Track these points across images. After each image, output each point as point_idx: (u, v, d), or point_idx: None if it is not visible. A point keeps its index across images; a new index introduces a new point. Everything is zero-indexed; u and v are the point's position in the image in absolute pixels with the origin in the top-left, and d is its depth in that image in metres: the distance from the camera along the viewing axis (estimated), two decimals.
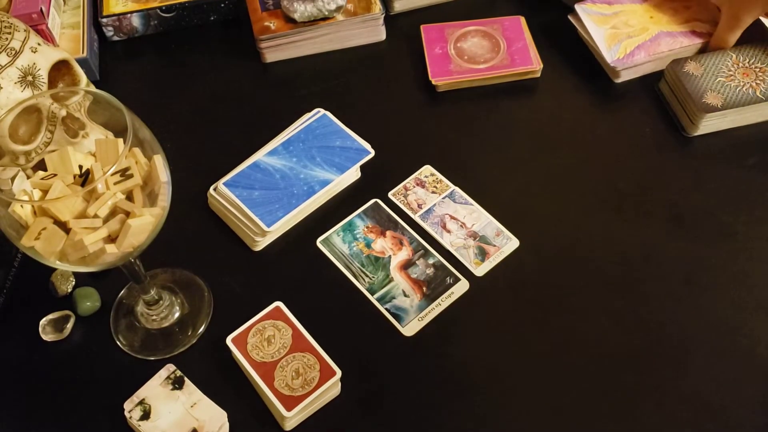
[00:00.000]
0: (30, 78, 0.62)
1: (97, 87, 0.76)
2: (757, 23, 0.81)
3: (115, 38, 0.88)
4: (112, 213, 0.49)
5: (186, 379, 0.59)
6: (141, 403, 0.57)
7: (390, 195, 0.72)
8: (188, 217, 0.71)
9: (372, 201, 0.72)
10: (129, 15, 0.86)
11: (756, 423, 0.57)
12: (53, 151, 0.59)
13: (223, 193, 0.69)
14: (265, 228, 0.67)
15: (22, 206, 0.48)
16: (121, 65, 0.86)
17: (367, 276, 0.67)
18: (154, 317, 0.65)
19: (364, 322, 0.64)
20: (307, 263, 0.68)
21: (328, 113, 0.75)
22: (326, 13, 0.82)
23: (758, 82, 0.74)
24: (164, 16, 0.87)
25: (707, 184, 0.72)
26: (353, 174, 0.73)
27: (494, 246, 0.68)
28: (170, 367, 0.59)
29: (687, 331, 0.62)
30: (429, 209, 0.71)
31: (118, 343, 0.64)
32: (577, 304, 0.64)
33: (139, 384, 0.58)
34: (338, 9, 0.82)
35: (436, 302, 0.65)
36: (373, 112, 0.79)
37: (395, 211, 0.71)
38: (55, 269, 0.66)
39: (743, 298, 0.64)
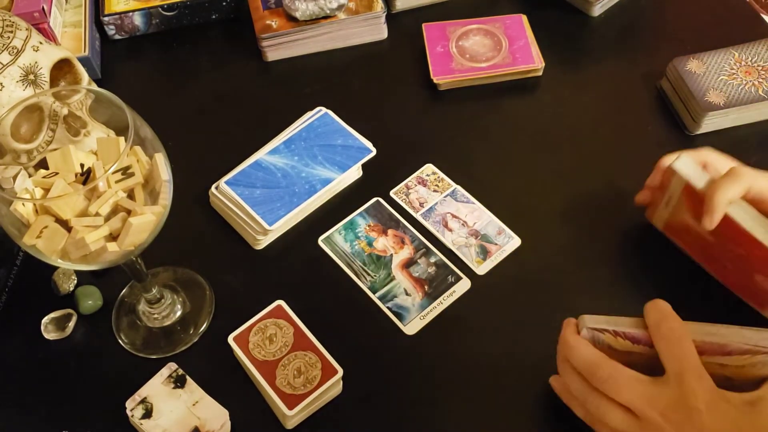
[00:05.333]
0: (32, 77, 0.62)
1: (98, 85, 0.77)
2: (759, 22, 0.81)
3: (117, 37, 0.88)
4: (114, 211, 0.49)
5: (188, 377, 0.59)
6: (143, 401, 0.57)
7: (392, 193, 0.72)
8: (190, 215, 0.71)
9: (374, 199, 0.72)
10: (131, 13, 0.86)
11: None
12: (55, 149, 0.59)
13: (224, 192, 0.69)
14: (266, 226, 0.67)
15: (23, 204, 0.48)
16: (123, 64, 0.86)
17: (368, 274, 0.67)
18: (155, 316, 0.65)
19: (366, 321, 0.64)
20: (308, 262, 0.68)
21: (330, 112, 0.75)
22: (328, 11, 0.82)
23: (761, 80, 0.74)
24: (166, 14, 0.87)
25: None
26: (355, 172, 0.73)
27: (496, 244, 0.68)
28: (172, 366, 0.59)
29: None
30: (430, 208, 0.71)
31: (119, 341, 0.64)
32: (579, 303, 0.64)
33: (140, 382, 0.58)
34: (340, 7, 0.82)
35: (438, 301, 0.65)
36: (375, 111, 0.79)
37: (397, 210, 0.71)
38: (56, 268, 0.67)
39: None
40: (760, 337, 0.52)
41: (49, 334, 0.64)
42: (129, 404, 0.57)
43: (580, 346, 0.54)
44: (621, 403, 0.51)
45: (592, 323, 0.54)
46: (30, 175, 0.52)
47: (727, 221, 0.58)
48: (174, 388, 0.58)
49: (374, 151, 0.72)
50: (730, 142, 0.74)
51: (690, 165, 0.61)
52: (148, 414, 0.56)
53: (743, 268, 0.61)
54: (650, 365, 0.51)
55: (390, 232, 0.69)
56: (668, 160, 0.63)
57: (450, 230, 0.69)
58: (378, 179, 0.73)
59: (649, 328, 0.52)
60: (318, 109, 0.75)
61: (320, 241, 0.69)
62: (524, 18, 0.84)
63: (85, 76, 0.69)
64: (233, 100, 0.82)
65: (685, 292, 0.64)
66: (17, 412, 0.61)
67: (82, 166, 0.51)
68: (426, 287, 0.66)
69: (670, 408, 0.49)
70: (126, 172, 0.48)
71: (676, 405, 0.49)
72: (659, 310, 0.53)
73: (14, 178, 0.52)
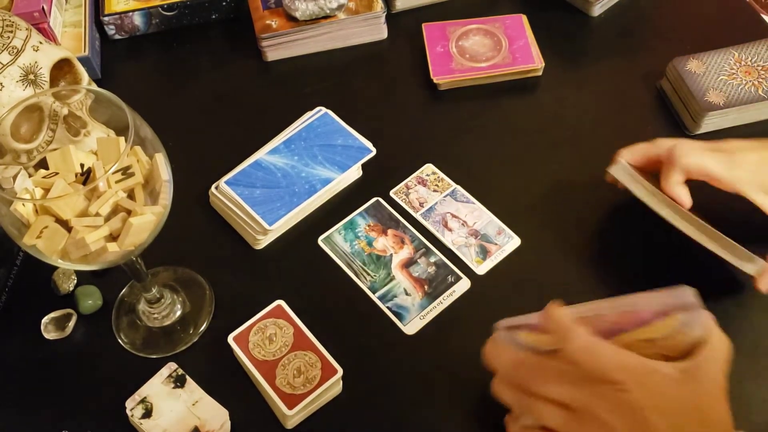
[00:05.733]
0: (32, 76, 0.62)
1: (98, 85, 0.77)
2: (759, 22, 0.81)
3: (117, 37, 0.88)
4: (114, 211, 0.49)
5: (187, 377, 0.59)
6: (143, 401, 0.57)
7: (391, 193, 0.72)
8: (190, 215, 0.71)
9: (373, 199, 0.72)
10: (131, 13, 0.86)
11: None
12: (55, 149, 0.59)
13: (224, 192, 0.69)
14: (266, 226, 0.67)
15: (23, 205, 0.48)
16: (123, 64, 0.86)
17: (368, 274, 0.67)
18: (155, 315, 0.65)
19: (366, 321, 0.64)
20: (308, 262, 0.68)
21: (330, 112, 0.75)
22: (328, 11, 0.82)
23: (760, 80, 0.74)
24: (166, 14, 0.87)
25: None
26: (355, 172, 0.73)
27: (495, 244, 0.68)
28: (172, 366, 0.59)
29: None
30: (430, 208, 0.71)
31: (119, 341, 0.64)
32: (579, 303, 0.64)
33: (140, 382, 0.58)
34: (340, 7, 0.82)
35: (438, 301, 0.65)
36: (375, 111, 0.79)
37: (397, 210, 0.71)
38: (56, 268, 0.67)
39: (746, 301, 0.64)
40: (665, 295, 0.50)
41: (49, 334, 0.64)
42: (129, 404, 0.57)
43: (500, 349, 0.52)
44: (552, 399, 0.48)
45: (506, 323, 0.52)
46: (30, 175, 0.52)
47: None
48: (174, 387, 0.58)
49: (374, 151, 0.72)
50: None
51: (623, 172, 0.64)
52: (148, 414, 0.56)
53: None
54: None
55: (390, 231, 0.69)
56: (619, 156, 0.66)
57: (450, 230, 0.69)
58: (378, 179, 0.73)
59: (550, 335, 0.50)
60: (318, 109, 0.75)
61: (320, 241, 0.69)
62: (524, 18, 0.84)
63: (85, 76, 0.69)
64: (233, 100, 0.82)
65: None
66: (17, 412, 0.61)
67: (82, 166, 0.51)
68: (426, 287, 0.66)
69: (597, 391, 0.47)
70: (126, 172, 0.48)
71: (602, 387, 0.46)
72: (549, 315, 0.50)
73: (14, 178, 0.52)
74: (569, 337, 0.48)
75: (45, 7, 0.78)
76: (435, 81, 0.79)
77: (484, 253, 0.68)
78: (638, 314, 0.50)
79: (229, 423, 0.58)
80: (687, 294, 0.51)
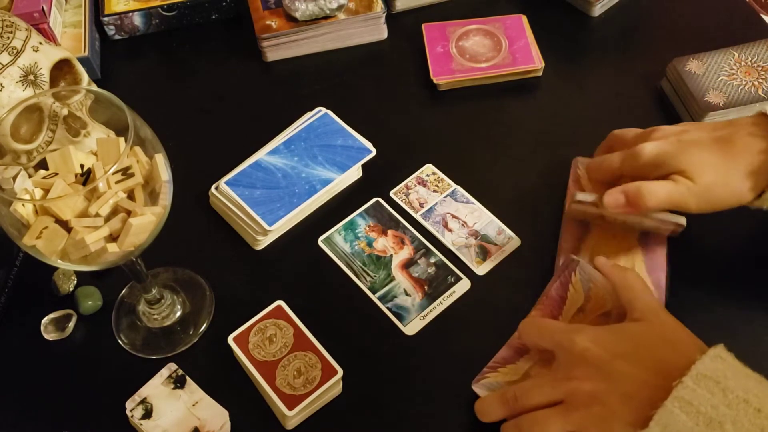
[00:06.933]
0: (31, 77, 0.62)
1: (98, 86, 0.77)
2: (759, 22, 0.81)
3: (117, 37, 0.88)
4: (114, 212, 0.49)
5: (187, 378, 0.59)
6: (143, 402, 0.57)
7: (391, 194, 0.72)
8: (190, 216, 0.71)
9: (373, 200, 0.72)
10: (130, 14, 0.86)
11: None
12: (55, 150, 0.59)
13: (224, 192, 0.69)
14: (266, 227, 0.67)
15: (23, 205, 0.48)
16: (123, 64, 0.86)
17: (368, 275, 0.67)
18: (155, 316, 0.65)
19: (366, 322, 0.64)
20: (308, 262, 0.68)
21: (330, 112, 0.75)
22: (328, 11, 0.82)
23: (760, 80, 0.74)
24: (166, 14, 0.87)
25: None
26: (355, 173, 0.73)
27: (496, 245, 0.68)
28: (172, 366, 0.59)
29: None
30: (430, 208, 0.71)
31: (119, 342, 0.64)
32: None
33: (140, 383, 0.58)
34: (340, 7, 0.82)
35: (438, 301, 0.65)
36: (375, 111, 0.79)
37: (397, 210, 0.71)
38: (56, 268, 0.67)
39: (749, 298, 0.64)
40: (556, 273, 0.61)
41: (49, 334, 0.64)
42: (129, 404, 0.57)
43: (483, 400, 0.57)
44: (543, 403, 0.52)
45: (476, 379, 0.59)
46: (30, 176, 0.52)
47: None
48: (174, 388, 0.58)
49: (374, 152, 0.72)
50: None
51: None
52: (148, 414, 0.56)
53: None
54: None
55: (390, 232, 0.69)
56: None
57: (450, 230, 0.69)
58: (378, 179, 0.73)
59: (520, 339, 0.59)
60: (318, 109, 0.75)
61: (320, 242, 0.69)
62: (524, 18, 0.84)
63: (84, 77, 0.69)
64: (233, 100, 0.82)
65: (684, 291, 0.65)
66: (17, 412, 0.61)
67: (82, 166, 0.51)
68: (426, 287, 0.66)
69: (569, 373, 0.52)
70: (126, 172, 0.48)
71: (574, 362, 0.52)
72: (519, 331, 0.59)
73: (14, 178, 0.52)
74: (560, 336, 0.55)
75: (45, 8, 0.78)
76: (435, 81, 0.79)
77: (484, 253, 0.68)
78: (549, 297, 0.59)
79: (229, 423, 0.58)
80: (566, 258, 0.60)
